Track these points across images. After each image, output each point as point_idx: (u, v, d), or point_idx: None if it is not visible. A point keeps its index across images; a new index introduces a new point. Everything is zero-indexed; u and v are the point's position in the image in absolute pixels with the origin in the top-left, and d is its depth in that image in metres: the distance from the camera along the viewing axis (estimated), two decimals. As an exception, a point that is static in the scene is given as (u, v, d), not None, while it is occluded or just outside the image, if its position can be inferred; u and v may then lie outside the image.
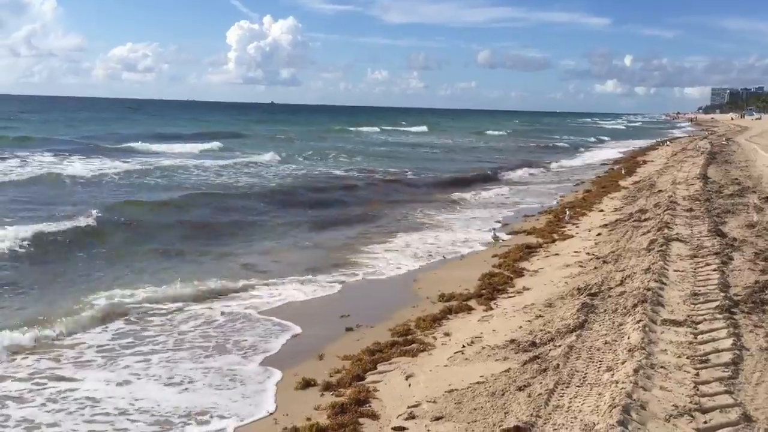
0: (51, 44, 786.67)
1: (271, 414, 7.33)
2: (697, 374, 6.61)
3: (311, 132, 69.14)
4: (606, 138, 79.98)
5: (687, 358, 7.01)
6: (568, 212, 19.81)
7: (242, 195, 24.15)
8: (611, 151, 54.48)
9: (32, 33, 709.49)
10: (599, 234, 16.17)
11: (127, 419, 7.20)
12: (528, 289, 11.86)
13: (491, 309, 10.84)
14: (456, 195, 25.71)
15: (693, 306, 8.73)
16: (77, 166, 30.09)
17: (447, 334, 9.62)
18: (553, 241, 16.45)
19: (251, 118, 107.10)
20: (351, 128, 79.34)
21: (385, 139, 66.90)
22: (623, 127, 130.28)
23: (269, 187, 26.26)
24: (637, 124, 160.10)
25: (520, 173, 35.64)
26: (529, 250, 15.26)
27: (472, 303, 11.28)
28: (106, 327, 10.17)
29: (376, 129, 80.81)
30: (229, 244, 16.21)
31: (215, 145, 45.57)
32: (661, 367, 6.71)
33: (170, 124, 77.83)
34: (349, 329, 10.27)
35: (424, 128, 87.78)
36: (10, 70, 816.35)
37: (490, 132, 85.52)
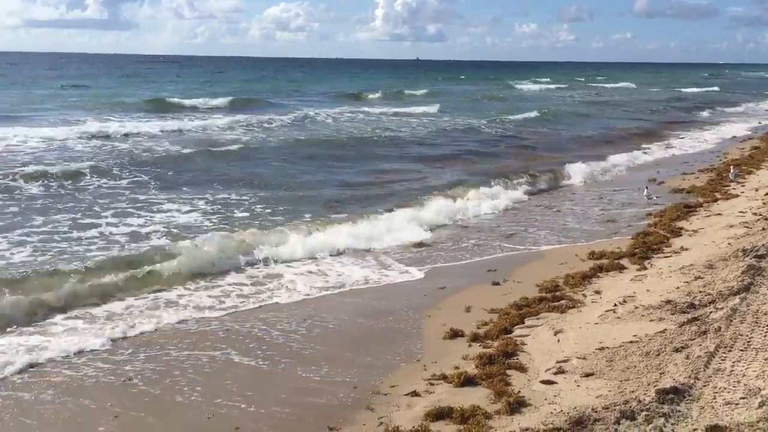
0: (212, 6, 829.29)
1: (418, 360, 7.56)
2: None
3: (467, 88, 69.05)
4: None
5: None
6: (733, 170, 18.45)
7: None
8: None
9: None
10: (768, 193, 14.99)
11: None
12: (686, 249, 11.29)
13: (645, 268, 10.45)
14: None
15: None
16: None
17: (597, 292, 9.40)
18: (716, 200, 15.46)
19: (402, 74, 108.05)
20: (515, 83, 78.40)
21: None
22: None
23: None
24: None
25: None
26: (687, 209, 14.47)
27: (624, 262, 10.92)
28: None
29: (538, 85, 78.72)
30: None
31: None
32: (839, 335, 6.20)
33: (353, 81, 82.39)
34: (495, 283, 10.29)
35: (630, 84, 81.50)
36: (174, 32, 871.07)
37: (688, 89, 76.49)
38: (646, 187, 16.85)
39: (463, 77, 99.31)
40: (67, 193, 15.80)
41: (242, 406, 6.60)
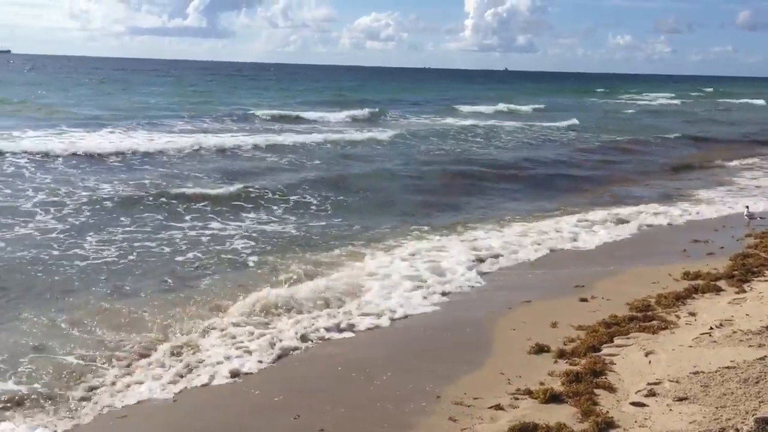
0: (304, 15, 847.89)
1: (502, 373, 7.48)
2: None
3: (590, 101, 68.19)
4: None
5: None
6: None
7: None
8: None
9: (288, 5, 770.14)
10: None
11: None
12: (790, 273, 10.71)
13: (744, 291, 9.98)
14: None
15: None
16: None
17: (692, 314, 9.04)
18: (824, 222, 14.62)
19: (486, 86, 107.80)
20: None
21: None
22: None
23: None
24: None
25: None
26: (794, 232, 13.74)
27: (721, 284, 10.45)
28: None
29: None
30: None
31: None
32: None
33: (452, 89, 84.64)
34: (583, 300, 10.06)
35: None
36: (268, 40, 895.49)
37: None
38: (746, 207, 16.08)
39: (557, 89, 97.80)
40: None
41: (327, 408, 6.71)
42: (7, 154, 20.02)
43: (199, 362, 7.84)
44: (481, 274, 11.61)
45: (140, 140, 24.85)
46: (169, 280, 10.72)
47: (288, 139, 27.30)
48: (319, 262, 11.89)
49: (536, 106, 54.86)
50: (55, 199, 15.45)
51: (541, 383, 7.01)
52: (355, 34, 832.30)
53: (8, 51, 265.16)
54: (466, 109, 49.62)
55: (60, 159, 20.45)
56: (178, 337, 8.49)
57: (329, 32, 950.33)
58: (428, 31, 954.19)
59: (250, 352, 8.09)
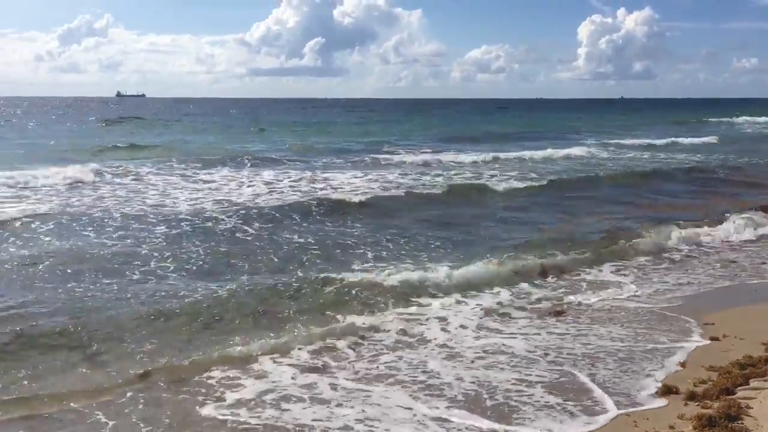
0: (415, 51, 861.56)
1: (627, 414, 7.22)
2: None
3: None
4: None
5: None
6: None
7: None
8: None
9: (400, 42, 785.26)
10: None
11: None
12: None
13: None
14: None
15: None
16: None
17: (839, 357, 8.38)
18: None
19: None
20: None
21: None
22: None
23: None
24: None
25: None
26: None
27: None
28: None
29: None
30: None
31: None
32: None
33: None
34: (714, 338, 9.55)
35: None
36: (381, 76, 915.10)
37: None
38: None
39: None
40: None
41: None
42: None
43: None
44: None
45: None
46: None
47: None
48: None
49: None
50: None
51: (671, 427, 6.72)
52: (466, 67, 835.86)
53: (143, 95, 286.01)
54: (628, 142, 47.88)
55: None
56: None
57: (440, 66, 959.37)
58: (540, 61, 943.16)
59: None
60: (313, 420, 7.00)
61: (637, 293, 11.88)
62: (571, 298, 11.59)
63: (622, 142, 47.88)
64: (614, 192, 23.87)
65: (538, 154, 36.63)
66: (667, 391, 7.70)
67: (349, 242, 15.07)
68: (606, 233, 16.14)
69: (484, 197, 22.29)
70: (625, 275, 13.10)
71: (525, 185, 24.32)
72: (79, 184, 22.73)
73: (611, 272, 13.31)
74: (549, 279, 12.74)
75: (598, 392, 7.76)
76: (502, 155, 35.41)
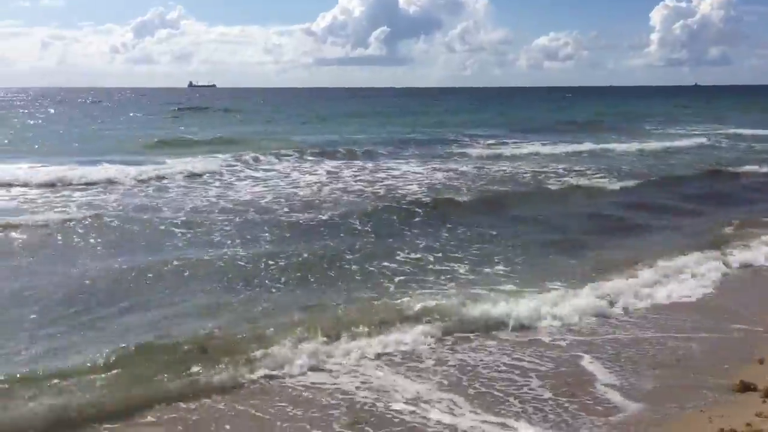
0: (481, 39, 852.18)
1: (702, 411, 7.03)
2: None
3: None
4: None
5: None
6: None
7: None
8: None
9: (466, 30, 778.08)
10: None
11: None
12: None
13: None
14: None
15: None
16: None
17: None
18: None
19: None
20: None
21: None
22: None
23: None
24: None
25: None
26: None
27: None
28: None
29: None
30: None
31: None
32: None
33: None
34: (795, 336, 9.18)
35: None
36: (446, 65, 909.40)
37: None
38: None
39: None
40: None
41: None
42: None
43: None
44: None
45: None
46: None
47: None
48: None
49: None
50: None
51: (748, 425, 6.50)
52: (533, 55, 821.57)
53: (213, 85, 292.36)
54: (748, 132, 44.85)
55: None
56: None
57: (506, 54, 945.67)
58: (610, 48, 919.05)
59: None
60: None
61: None
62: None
63: (740, 132, 45.05)
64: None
65: (651, 145, 35.70)
66: (744, 387, 7.46)
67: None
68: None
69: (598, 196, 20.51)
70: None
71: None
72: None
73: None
74: None
75: (670, 387, 7.59)
76: (611, 146, 34.73)
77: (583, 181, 22.88)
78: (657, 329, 9.52)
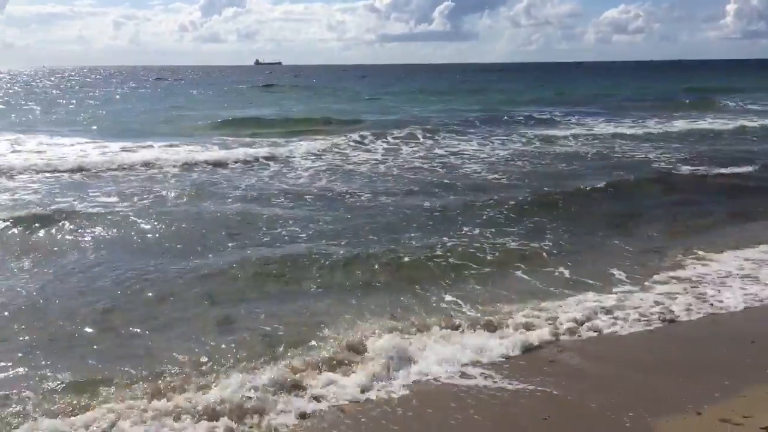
0: (547, 12, 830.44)
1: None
2: None
3: None
4: None
5: None
6: None
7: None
8: None
9: (532, 3, 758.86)
10: None
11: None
12: None
13: None
14: None
15: None
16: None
17: None
18: None
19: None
20: None
21: None
22: None
23: None
24: None
25: None
26: None
27: None
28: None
29: None
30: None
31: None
32: None
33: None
34: None
35: None
36: (510, 40, 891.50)
37: None
38: None
39: None
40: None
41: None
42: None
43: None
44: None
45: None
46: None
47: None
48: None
49: None
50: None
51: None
52: (601, 28, 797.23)
53: (279, 63, 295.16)
54: None
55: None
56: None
57: (573, 28, 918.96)
58: (683, 20, 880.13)
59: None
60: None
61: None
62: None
63: None
64: None
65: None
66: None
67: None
68: None
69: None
70: None
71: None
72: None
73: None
74: None
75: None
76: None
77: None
78: None
